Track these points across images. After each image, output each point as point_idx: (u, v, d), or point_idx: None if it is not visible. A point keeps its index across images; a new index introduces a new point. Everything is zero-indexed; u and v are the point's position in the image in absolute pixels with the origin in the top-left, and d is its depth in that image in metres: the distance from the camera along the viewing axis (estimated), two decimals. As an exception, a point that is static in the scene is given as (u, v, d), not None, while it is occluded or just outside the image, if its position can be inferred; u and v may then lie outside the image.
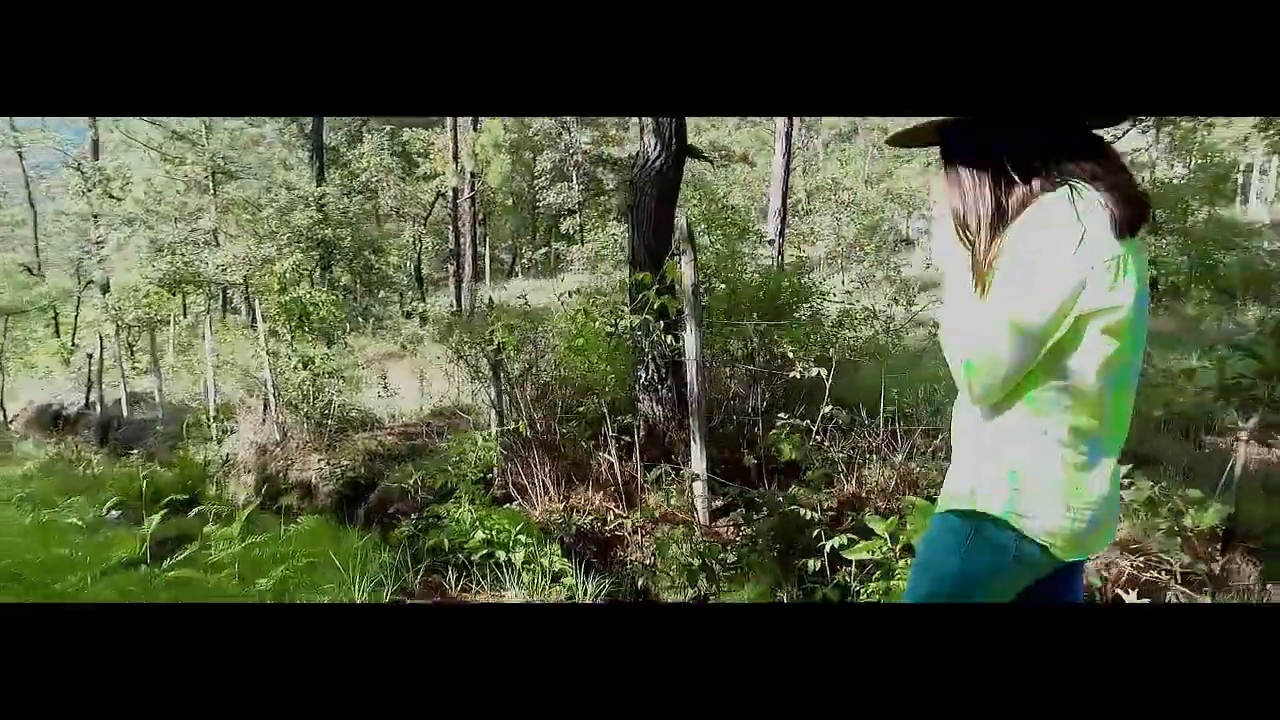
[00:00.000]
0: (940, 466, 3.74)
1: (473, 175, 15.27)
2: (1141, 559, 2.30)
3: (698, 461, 3.95)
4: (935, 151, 1.34)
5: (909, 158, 20.58)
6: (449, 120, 15.03)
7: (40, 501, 4.20)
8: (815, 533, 2.95)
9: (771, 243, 10.02)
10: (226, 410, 8.00)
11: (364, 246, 17.67)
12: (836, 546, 2.81)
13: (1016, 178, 1.19)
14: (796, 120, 11.93)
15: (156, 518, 2.33)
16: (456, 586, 3.40)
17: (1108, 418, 1.19)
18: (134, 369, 14.12)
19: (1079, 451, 1.18)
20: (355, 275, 17.76)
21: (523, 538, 3.65)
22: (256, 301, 8.01)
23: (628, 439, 4.49)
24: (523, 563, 3.53)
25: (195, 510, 2.57)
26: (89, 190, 17.94)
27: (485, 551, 3.59)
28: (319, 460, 6.78)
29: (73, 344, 18.79)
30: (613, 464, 4.46)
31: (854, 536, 2.82)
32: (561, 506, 4.34)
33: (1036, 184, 1.18)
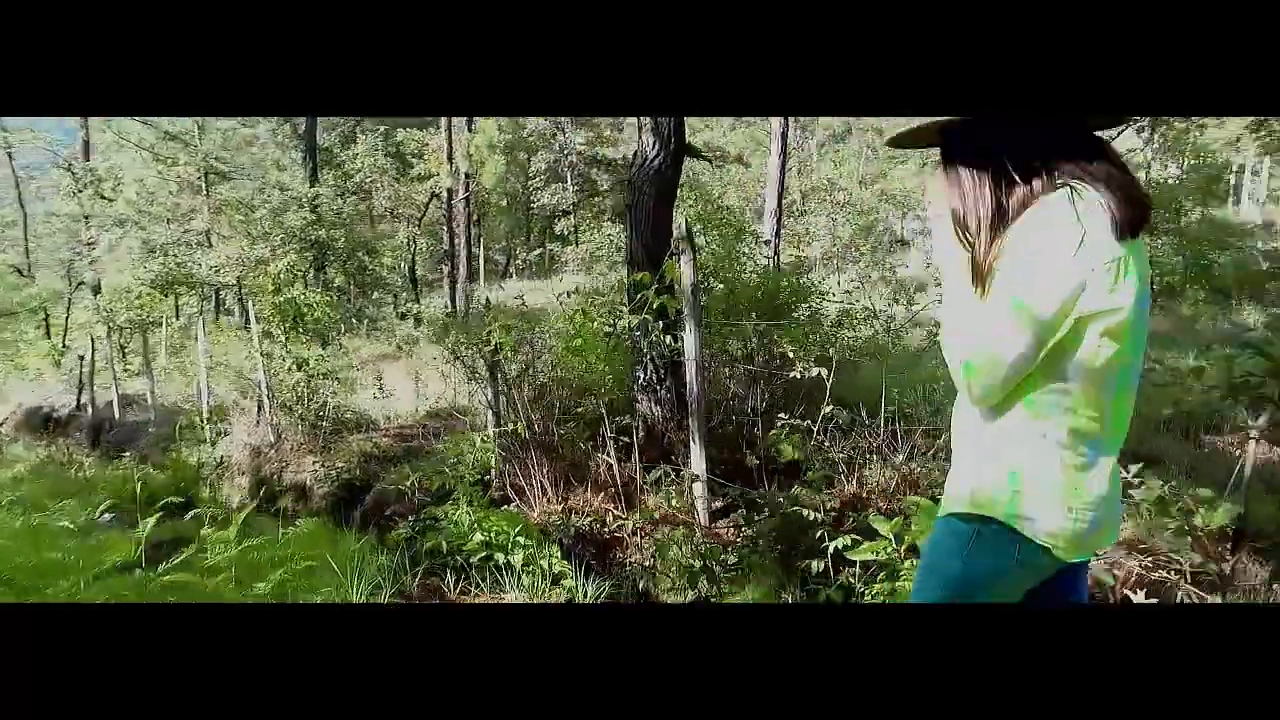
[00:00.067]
0: (942, 467, 3.72)
1: (467, 176, 15.22)
2: (1150, 559, 2.28)
3: (697, 462, 3.92)
4: (929, 153, 1.32)
5: (903, 159, 20.62)
6: (443, 121, 14.98)
7: (31, 505, 4.14)
8: (819, 534, 2.92)
9: (767, 243, 10.02)
10: (220, 412, 7.93)
11: (358, 248, 17.59)
12: (840, 548, 2.78)
13: (1017, 178, 1.19)
14: (791, 121, 11.93)
15: (151, 521, 2.28)
16: (455, 589, 3.37)
17: (1107, 419, 1.19)
18: (126, 371, 14.01)
19: (1078, 453, 1.18)
20: (349, 277, 17.68)
21: (522, 540, 3.61)
22: (250, 303, 7.94)
23: (626, 440, 4.46)
24: (522, 565, 3.50)
25: (191, 513, 2.52)
26: (80, 191, 17.81)
27: (484, 554, 3.55)
28: (314, 462, 6.73)
29: (63, 346, 18.66)
30: (611, 465, 4.43)
31: (858, 537, 2.80)
32: (560, 508, 4.30)
33: (1037, 185, 1.17)
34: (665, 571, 3.53)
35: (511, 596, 3.36)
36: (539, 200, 26.46)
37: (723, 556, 3.38)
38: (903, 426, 4.14)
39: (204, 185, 18.04)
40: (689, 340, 3.92)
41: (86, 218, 18.07)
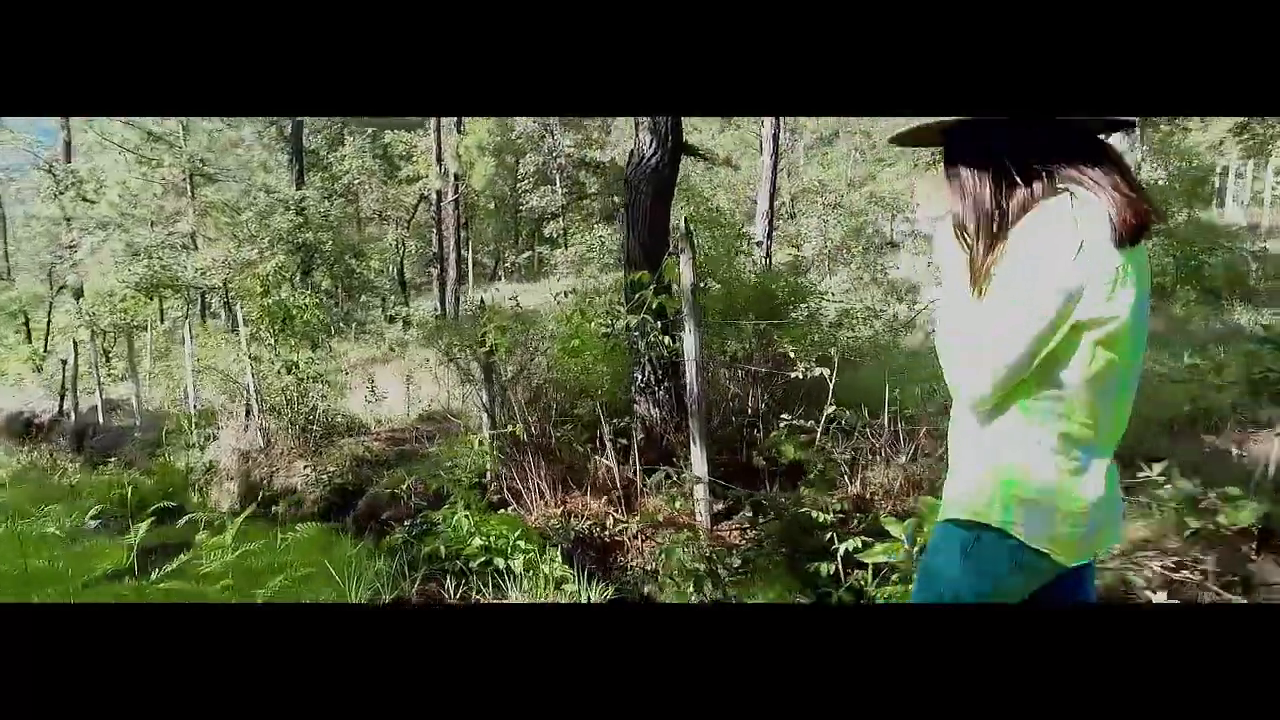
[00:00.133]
0: (945, 468, 3.68)
1: (456, 178, 15.11)
2: (1173, 560, 2.25)
3: (699, 464, 3.87)
4: (918, 155, 1.31)
5: (891, 161, 20.72)
6: (432, 122, 14.88)
7: (14, 511, 4.02)
8: (827, 535, 2.87)
9: (760, 245, 10.00)
10: (208, 416, 7.80)
11: (345, 251, 17.45)
12: (851, 550, 2.73)
13: (1018, 181, 1.17)
14: (780, 124, 11.93)
15: (143, 526, 2.20)
16: (456, 595, 3.29)
17: (1103, 424, 1.18)
18: (110, 376, 13.80)
19: (1072, 457, 1.17)
20: (336, 280, 17.53)
21: (522, 544, 3.55)
22: (239, 305, 7.82)
23: (624, 442, 4.40)
24: (523, 569, 3.43)
25: (185, 518, 2.44)
26: (61, 193, 17.55)
27: (483, 558, 3.48)
28: (304, 467, 6.63)
29: (45, 350, 18.37)
30: (611, 468, 4.36)
31: (868, 539, 2.75)
32: (559, 512, 4.24)
33: (1038, 188, 1.16)
34: (669, 575, 3.48)
35: (514, 600, 3.29)
36: (527, 203, 26.36)
37: (728, 560, 3.32)
38: (905, 427, 4.11)
39: (189, 187, 17.83)
40: (689, 340, 3.87)
41: (68, 220, 17.80)
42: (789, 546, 3.39)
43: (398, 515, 4.64)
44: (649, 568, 3.78)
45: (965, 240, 1.22)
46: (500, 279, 24.35)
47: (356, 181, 19.53)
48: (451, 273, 14.87)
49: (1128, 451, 3.89)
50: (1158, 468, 2.48)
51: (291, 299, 7.41)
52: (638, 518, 4.03)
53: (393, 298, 18.93)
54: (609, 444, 4.31)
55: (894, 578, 2.58)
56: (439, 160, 14.75)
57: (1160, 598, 2.10)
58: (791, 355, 3.79)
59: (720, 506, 3.93)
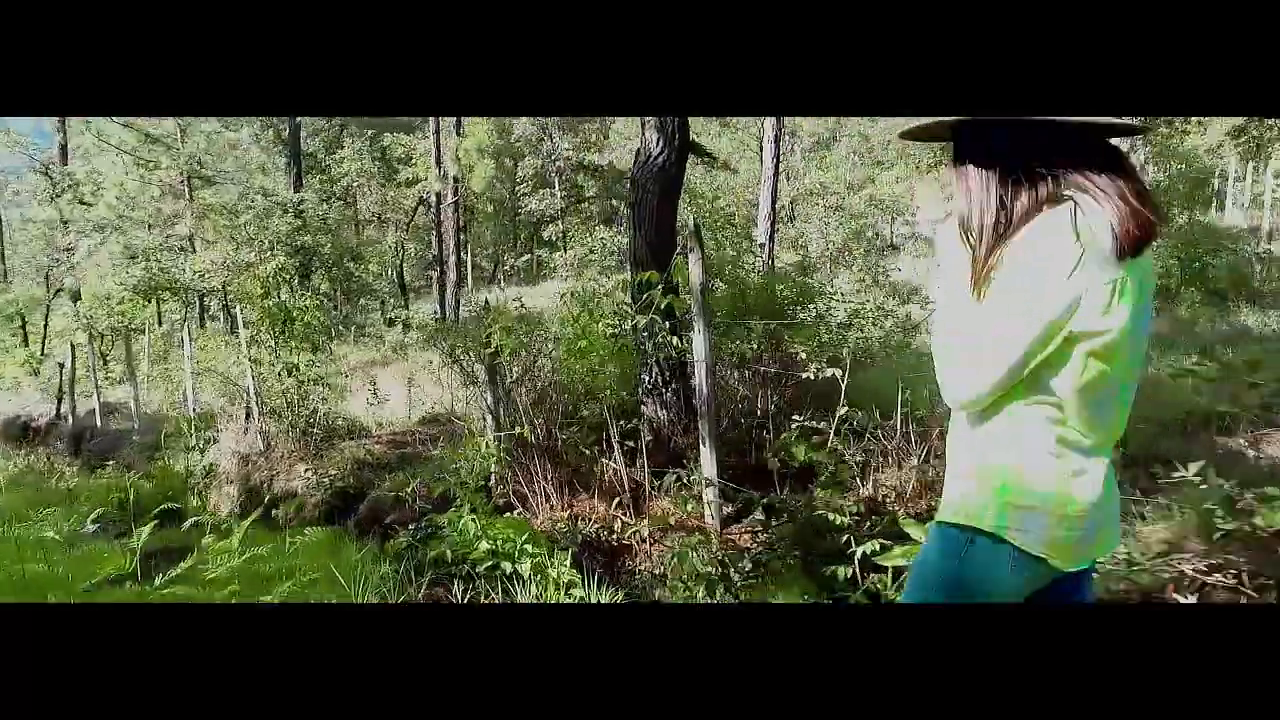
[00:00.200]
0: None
1: (456, 180, 15.06)
2: (1205, 562, 2.20)
3: (708, 466, 3.81)
4: (920, 157, 1.28)
5: (889, 164, 20.71)
6: (431, 125, 14.84)
7: (12, 515, 3.95)
8: (844, 538, 2.82)
9: (762, 247, 9.97)
10: (207, 419, 7.73)
11: (344, 254, 17.39)
12: (869, 553, 2.68)
13: (1024, 184, 1.16)
14: (780, 126, 11.90)
15: (145, 530, 2.13)
16: (463, 599, 3.23)
17: (1098, 429, 1.18)
18: (107, 379, 13.72)
19: (1068, 460, 1.17)
20: (335, 283, 17.46)
21: (529, 547, 3.49)
22: (238, 307, 7.76)
23: (631, 444, 4.34)
24: (530, 573, 3.38)
25: (190, 521, 2.37)
26: (58, 196, 17.46)
27: (490, 563, 3.42)
28: (305, 470, 6.56)
29: (42, 353, 18.27)
30: (618, 470, 4.31)
31: (886, 542, 2.70)
32: (566, 515, 4.18)
33: (1044, 192, 1.15)
34: (678, 578, 3.42)
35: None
36: (526, 206, 26.32)
37: (740, 563, 3.27)
38: (916, 429, 4.05)
39: (187, 189, 17.76)
40: (698, 341, 3.81)
41: (65, 223, 17.72)
42: (802, 549, 3.34)
43: (402, 519, 4.58)
44: (658, 571, 3.72)
45: (969, 239, 1.21)
46: (500, 282, 24.30)
47: (355, 184, 19.46)
48: (451, 275, 14.80)
49: (1142, 453, 3.87)
50: (1193, 468, 2.43)
51: (292, 301, 7.34)
52: (646, 521, 3.97)
53: (392, 301, 18.86)
54: (616, 446, 4.25)
55: (914, 581, 2.52)
56: (438, 163, 14.69)
57: (1191, 601, 2.06)
58: (803, 356, 3.74)
59: (729, 509, 3.88)
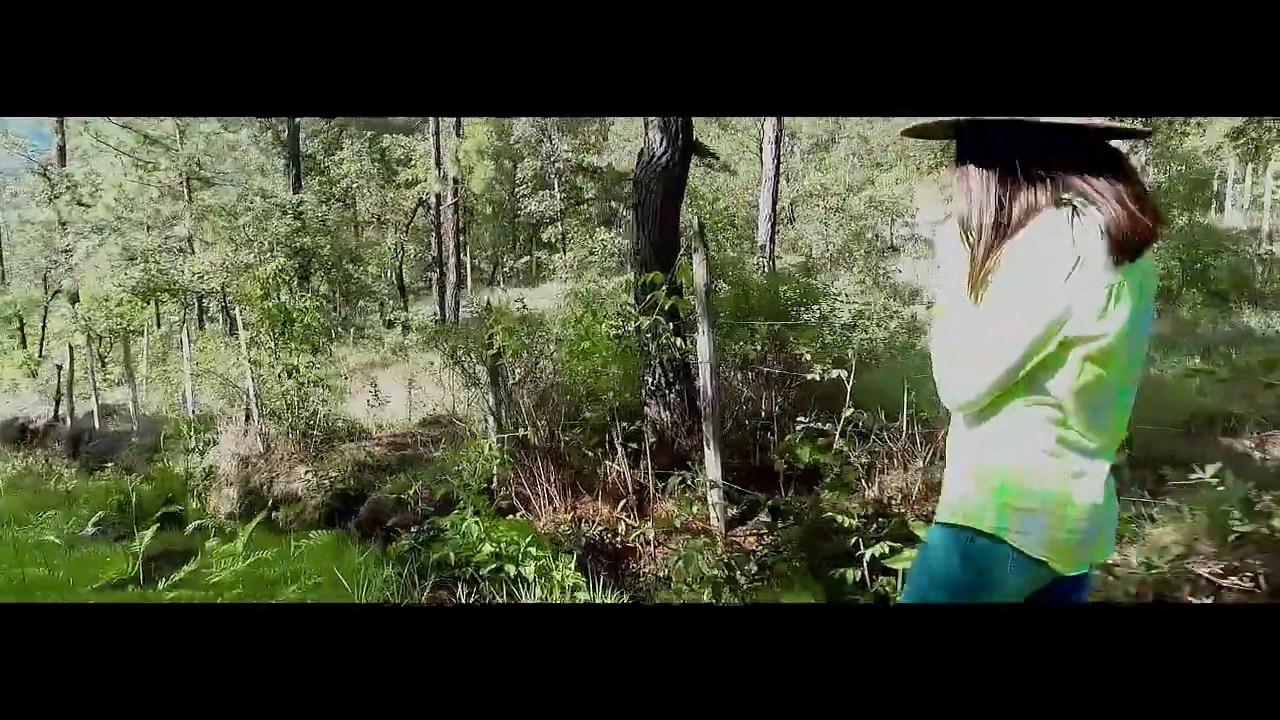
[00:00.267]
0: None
1: (455, 181, 15.03)
2: (1220, 565, 2.18)
3: (713, 468, 3.79)
4: (920, 158, 1.27)
5: (888, 165, 20.72)
6: (431, 126, 14.81)
7: (10, 518, 3.91)
8: (853, 541, 2.79)
9: (763, 248, 9.96)
10: (206, 421, 7.70)
11: (343, 255, 17.35)
12: (878, 555, 2.65)
13: (1023, 187, 1.17)
14: (781, 127, 11.89)
15: (148, 534, 2.10)
16: (467, 602, 3.21)
17: (1097, 432, 1.17)
18: (105, 380, 13.66)
19: (1068, 463, 1.16)
20: (334, 285, 17.43)
21: (533, 550, 3.46)
22: (238, 309, 7.72)
23: (634, 445, 4.32)
24: (535, 576, 3.35)
25: (194, 524, 2.34)
26: (56, 197, 17.40)
27: (494, 565, 3.39)
28: (305, 472, 6.52)
29: (40, 355, 18.20)
30: (622, 472, 4.28)
31: (895, 544, 2.67)
32: (570, 517, 4.15)
33: (1042, 196, 1.15)
34: (683, 581, 3.39)
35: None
36: (525, 208, 26.28)
37: (746, 566, 3.24)
38: (921, 430, 4.03)
39: (186, 191, 17.72)
40: (703, 342, 3.79)
41: (63, 224, 17.66)
42: (808, 552, 3.31)
43: (404, 521, 4.54)
44: (662, 574, 3.69)
45: (968, 239, 1.22)
46: (499, 283, 24.28)
47: (355, 185, 19.43)
48: (451, 277, 14.75)
49: (1147, 455, 3.85)
50: (1210, 470, 2.41)
51: (292, 302, 7.31)
52: (650, 523, 3.94)
53: (391, 302, 18.82)
54: (620, 448, 4.23)
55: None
56: (438, 164, 14.65)
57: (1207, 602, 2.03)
58: (808, 357, 3.71)
59: (734, 511, 3.85)
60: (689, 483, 3.79)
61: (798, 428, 3.69)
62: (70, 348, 11.46)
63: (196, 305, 18.87)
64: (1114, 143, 1.19)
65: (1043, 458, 1.16)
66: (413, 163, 18.21)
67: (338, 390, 7.97)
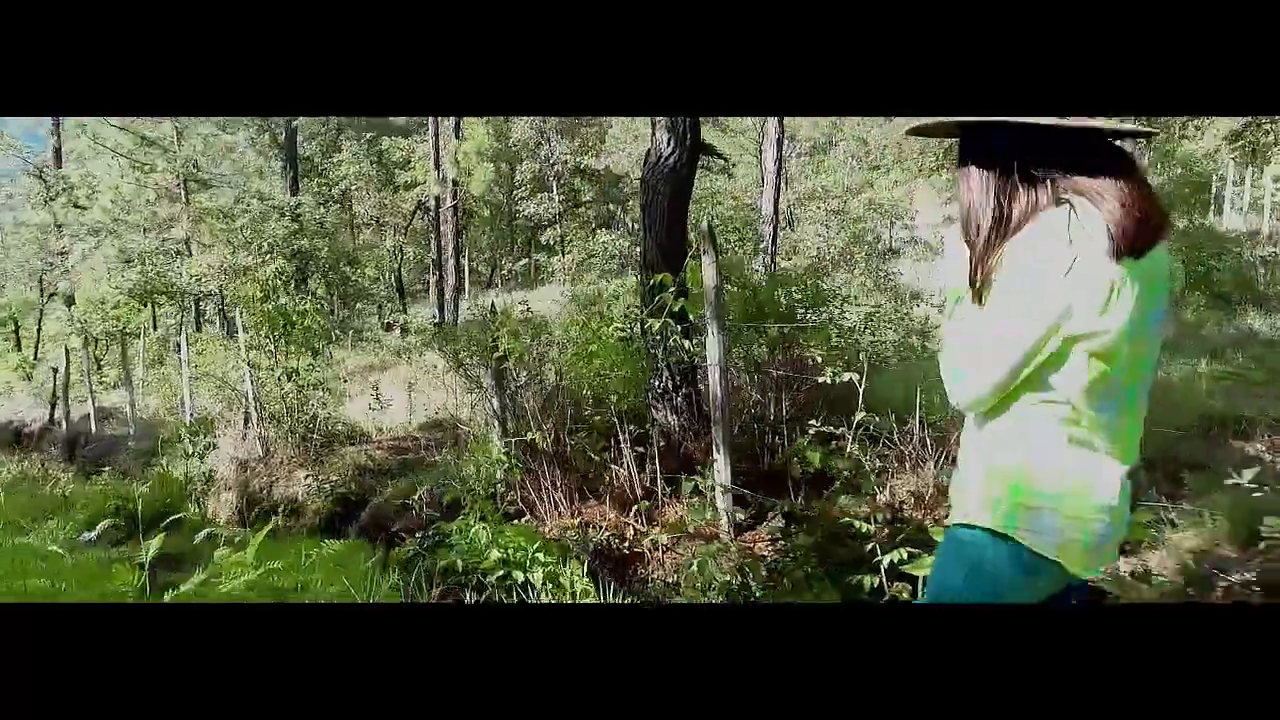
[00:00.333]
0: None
1: (455, 183, 14.97)
2: (1252, 573, 2.14)
3: (723, 472, 3.74)
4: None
5: (887, 168, 20.73)
6: (430, 128, 14.76)
7: (8, 524, 3.84)
8: (869, 546, 2.74)
9: (765, 251, 9.92)
10: (205, 425, 7.63)
11: (340, 258, 17.30)
12: (896, 562, 2.60)
13: (1024, 187, 1.17)
14: (783, 129, 11.85)
15: (154, 544, 2.04)
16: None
17: (1109, 432, 1.16)
18: (101, 383, 13.57)
19: (1080, 463, 1.16)
20: (331, 287, 17.36)
21: (541, 556, 3.41)
22: (237, 311, 7.66)
23: (640, 449, 4.26)
24: (542, 583, 3.30)
25: (205, 533, 2.28)
26: (52, 199, 17.30)
27: (502, 572, 3.34)
28: (305, 476, 6.46)
29: (35, 358, 18.09)
30: (629, 476, 4.23)
31: (914, 550, 2.62)
32: (576, 522, 4.10)
33: (1043, 196, 1.15)
34: (692, 586, 3.34)
35: (535, 617, 3.15)
36: (524, 210, 26.23)
37: (760, 571, 3.19)
38: (932, 434, 3.99)
39: (184, 193, 17.63)
40: (712, 344, 3.74)
41: (59, 226, 17.55)
42: (821, 557, 3.27)
43: (408, 526, 4.48)
44: (670, 580, 3.64)
45: (969, 240, 1.22)
46: (496, 286, 24.22)
47: (354, 187, 19.37)
48: (450, 279, 14.69)
49: (1160, 457, 3.82)
50: (1248, 474, 2.37)
51: (291, 304, 7.25)
52: (659, 528, 3.89)
53: (389, 305, 18.76)
54: (627, 452, 4.18)
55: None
56: (437, 166, 14.60)
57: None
58: (819, 360, 3.67)
59: (742, 516, 3.80)
60: (699, 487, 3.74)
61: (809, 431, 3.64)
62: (66, 350, 11.39)
63: (193, 308, 18.77)
64: (1120, 143, 1.19)
65: (1054, 456, 1.16)
66: (411, 165, 18.16)
67: (337, 393, 7.91)
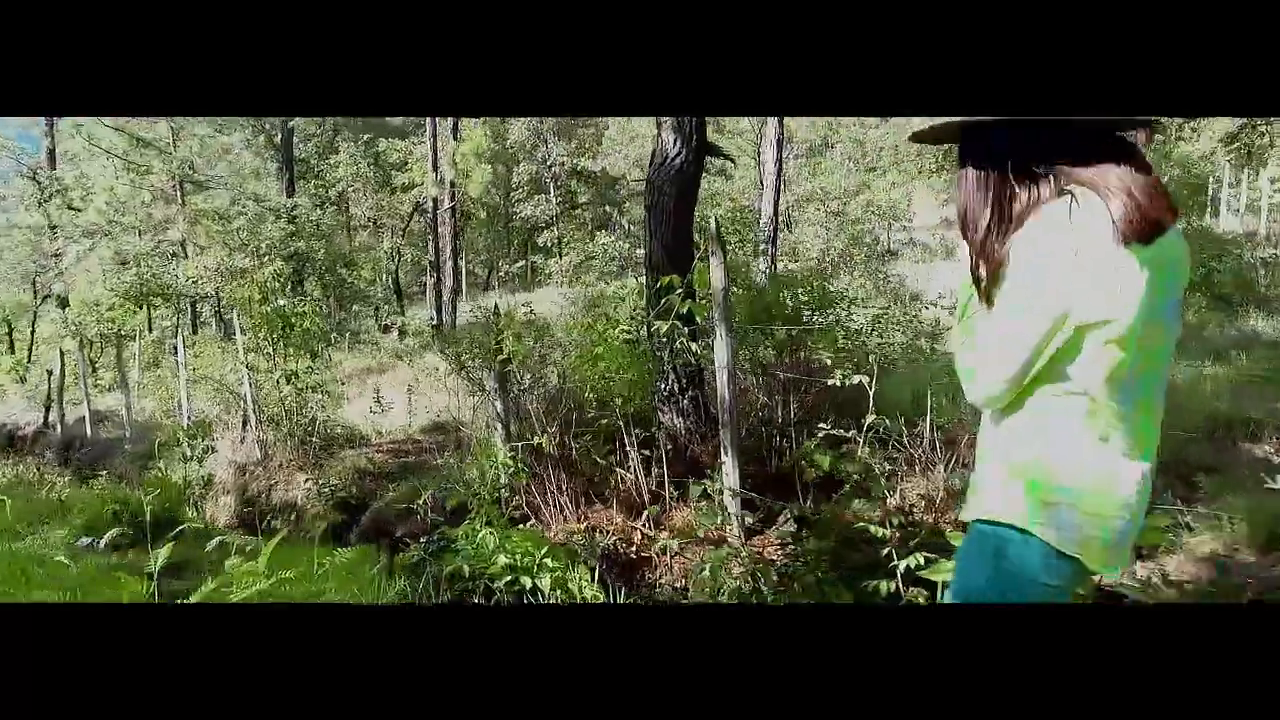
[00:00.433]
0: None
1: (452, 185, 14.91)
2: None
3: (731, 475, 3.70)
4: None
5: (883, 170, 20.76)
6: (428, 129, 14.70)
7: (2, 530, 3.78)
8: (885, 551, 2.71)
9: (765, 253, 9.90)
10: (202, 428, 7.55)
11: (337, 260, 17.22)
12: (913, 567, 2.57)
13: (1024, 184, 1.18)
14: (784, 130, 11.82)
15: (164, 552, 1.99)
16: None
17: (1131, 425, 1.15)
18: (96, 386, 13.46)
19: (1099, 458, 1.15)
20: (328, 289, 17.28)
21: (549, 562, 3.37)
22: (235, 313, 7.59)
23: (646, 452, 4.22)
24: (550, 588, 3.25)
25: (215, 540, 2.23)
26: (46, 200, 17.18)
27: (509, 578, 3.29)
28: (305, 480, 6.40)
29: (28, 361, 17.95)
30: (634, 480, 4.19)
31: (930, 555, 2.59)
32: (582, 527, 4.05)
33: (1045, 190, 1.16)
34: (700, 590, 3.31)
35: (544, 623, 3.10)
36: (521, 212, 26.18)
37: (772, 577, 3.15)
38: (941, 437, 3.96)
39: (179, 194, 17.53)
40: (720, 347, 3.71)
41: (53, 228, 17.43)
42: (833, 562, 3.23)
43: (411, 531, 4.43)
44: (679, 584, 3.61)
45: (966, 238, 1.23)
46: (494, 288, 24.16)
47: (351, 188, 19.29)
48: (448, 281, 14.61)
49: (1172, 460, 3.80)
50: None
51: (290, 306, 7.19)
52: (667, 533, 3.85)
53: (386, 307, 18.68)
54: (634, 455, 4.14)
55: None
56: (435, 168, 14.54)
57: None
58: (829, 362, 3.63)
59: (750, 520, 3.77)
60: (708, 491, 3.70)
61: (819, 434, 3.61)
62: (61, 352, 11.29)
63: (189, 310, 18.66)
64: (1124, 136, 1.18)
65: (1073, 451, 1.15)
66: (409, 166, 18.10)
67: (336, 396, 7.85)
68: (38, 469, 8.45)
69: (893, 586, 2.67)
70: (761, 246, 10.18)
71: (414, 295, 23.40)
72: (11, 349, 20.31)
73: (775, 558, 3.54)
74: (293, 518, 5.98)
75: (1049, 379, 1.15)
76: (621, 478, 4.29)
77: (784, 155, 14.96)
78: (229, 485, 6.81)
